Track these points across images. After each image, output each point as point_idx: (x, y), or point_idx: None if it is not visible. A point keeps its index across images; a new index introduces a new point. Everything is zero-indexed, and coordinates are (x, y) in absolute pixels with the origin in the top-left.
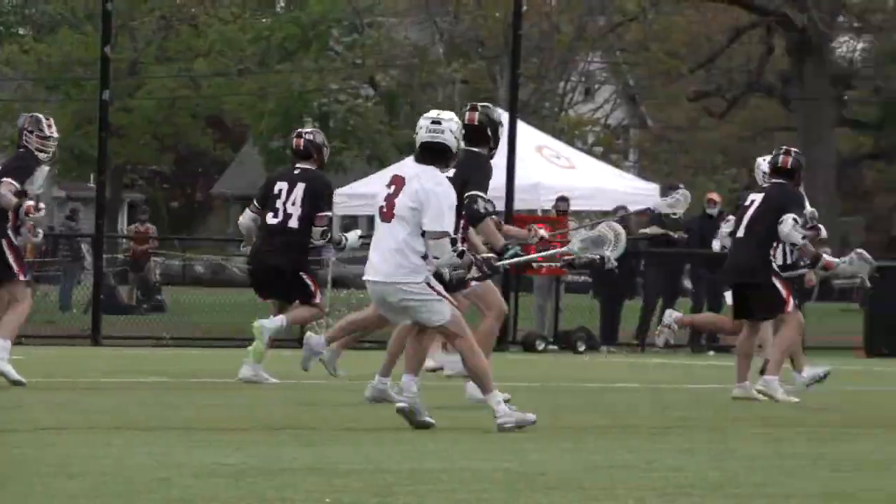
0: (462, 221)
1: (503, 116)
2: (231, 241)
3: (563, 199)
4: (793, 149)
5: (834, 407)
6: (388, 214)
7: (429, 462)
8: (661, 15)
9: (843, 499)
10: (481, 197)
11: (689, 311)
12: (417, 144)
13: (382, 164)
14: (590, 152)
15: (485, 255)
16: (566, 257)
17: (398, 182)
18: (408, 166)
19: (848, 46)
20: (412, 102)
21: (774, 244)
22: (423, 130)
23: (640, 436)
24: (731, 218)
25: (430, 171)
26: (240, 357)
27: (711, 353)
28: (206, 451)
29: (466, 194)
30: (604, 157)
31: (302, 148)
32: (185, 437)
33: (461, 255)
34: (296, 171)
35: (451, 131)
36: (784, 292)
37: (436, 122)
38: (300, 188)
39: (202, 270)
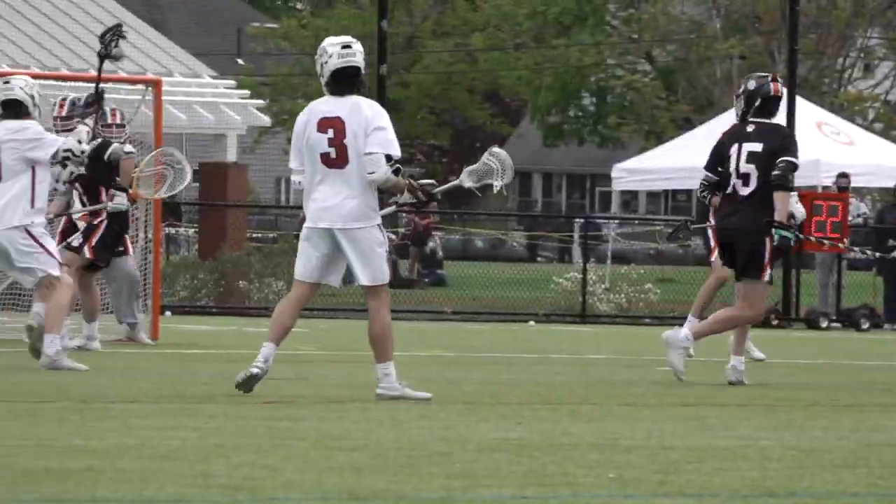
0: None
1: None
2: (510, 217)
3: (843, 176)
4: None
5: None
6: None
7: (714, 439)
8: None
9: None
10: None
11: None
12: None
13: (660, 140)
14: (869, 129)
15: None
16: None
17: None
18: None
19: None
20: (689, 78)
21: None
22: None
23: None
24: None
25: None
26: (515, 332)
27: None
28: (487, 426)
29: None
30: (884, 134)
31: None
32: (467, 412)
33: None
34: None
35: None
36: None
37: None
38: None
39: (482, 245)
